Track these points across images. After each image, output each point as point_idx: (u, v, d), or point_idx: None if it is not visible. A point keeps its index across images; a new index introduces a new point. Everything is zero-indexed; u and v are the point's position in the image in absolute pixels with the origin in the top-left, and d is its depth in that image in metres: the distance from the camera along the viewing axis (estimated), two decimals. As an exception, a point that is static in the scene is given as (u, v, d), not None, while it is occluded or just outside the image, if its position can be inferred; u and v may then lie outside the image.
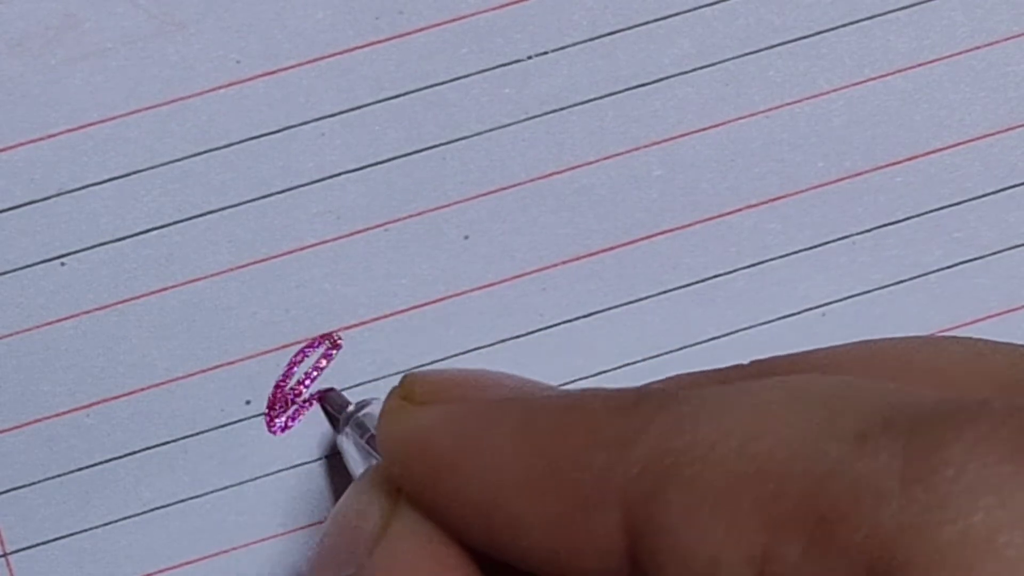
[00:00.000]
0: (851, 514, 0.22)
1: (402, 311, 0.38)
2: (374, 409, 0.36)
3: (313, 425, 0.38)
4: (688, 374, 0.29)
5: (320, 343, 0.38)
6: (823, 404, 0.24)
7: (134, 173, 0.37)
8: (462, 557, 0.28)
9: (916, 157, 0.39)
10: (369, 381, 0.38)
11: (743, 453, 0.24)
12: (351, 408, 0.37)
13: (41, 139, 0.37)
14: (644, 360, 0.39)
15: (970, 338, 0.28)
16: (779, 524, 0.23)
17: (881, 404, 0.23)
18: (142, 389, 0.38)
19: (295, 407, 0.38)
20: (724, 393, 0.25)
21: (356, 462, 0.36)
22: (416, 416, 0.28)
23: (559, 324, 0.39)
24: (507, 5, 0.37)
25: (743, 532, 0.23)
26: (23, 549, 0.37)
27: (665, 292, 0.39)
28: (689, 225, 0.39)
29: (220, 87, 0.37)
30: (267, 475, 0.38)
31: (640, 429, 0.25)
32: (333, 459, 0.38)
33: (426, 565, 0.28)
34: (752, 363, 0.29)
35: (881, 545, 0.22)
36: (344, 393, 0.38)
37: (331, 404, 0.38)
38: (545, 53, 0.38)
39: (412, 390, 0.29)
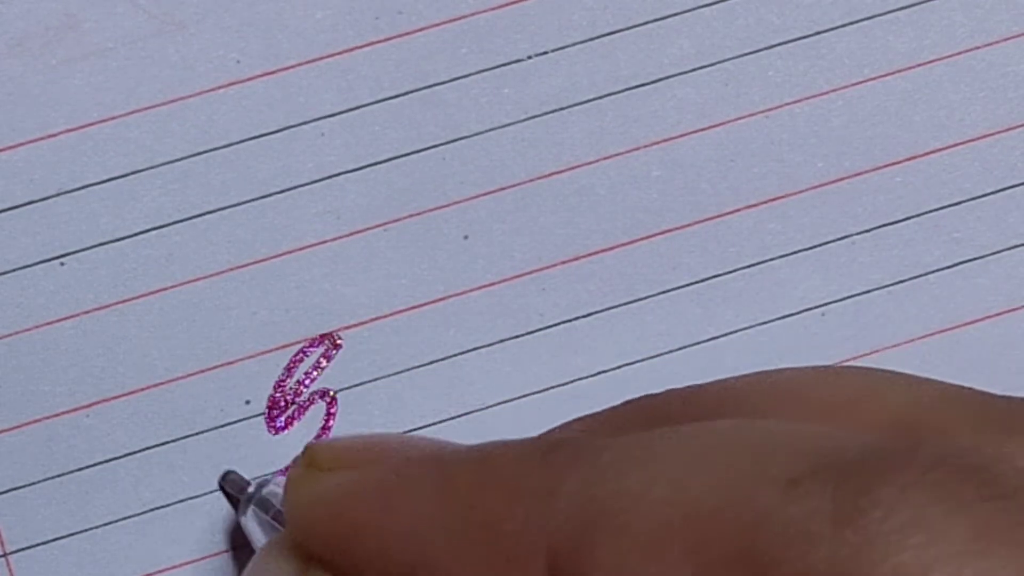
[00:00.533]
0: (783, 558, 0.22)
1: (402, 311, 0.38)
2: (276, 487, 0.36)
3: (314, 425, 0.38)
4: (577, 420, 0.29)
5: (320, 343, 0.38)
6: (751, 450, 0.24)
7: (134, 173, 0.37)
8: None
9: (916, 157, 0.39)
10: (369, 381, 0.38)
11: (671, 501, 0.23)
12: (251, 489, 0.37)
13: (41, 139, 0.37)
14: (644, 360, 0.39)
15: (864, 369, 0.28)
16: (710, 571, 0.23)
17: (809, 449, 0.23)
18: (142, 389, 0.38)
19: (295, 407, 0.38)
20: (649, 440, 0.25)
21: (262, 542, 0.35)
22: (325, 481, 0.28)
23: (559, 324, 0.39)
24: (507, 5, 0.37)
25: None
26: (23, 549, 0.37)
27: (665, 292, 0.39)
28: (689, 225, 0.39)
29: (220, 87, 0.37)
30: (267, 476, 0.38)
31: (560, 478, 0.25)
32: (239, 552, 0.38)
33: None
34: (645, 398, 0.28)
35: None
36: (242, 475, 0.38)
37: (231, 486, 0.37)
38: (545, 53, 0.38)
39: (316, 458, 0.28)
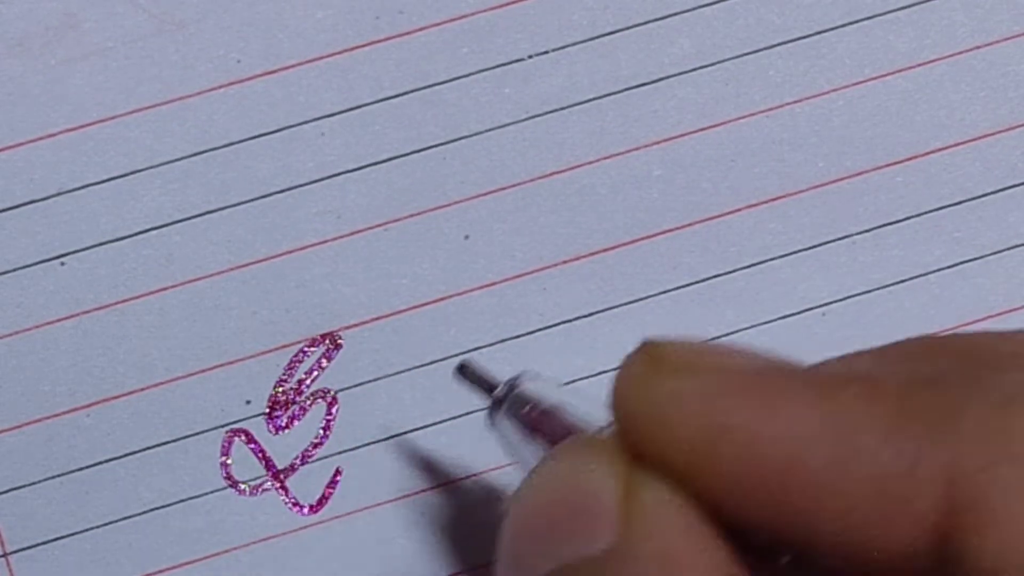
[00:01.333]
0: None
1: (402, 311, 0.38)
2: (533, 387, 0.34)
3: (314, 425, 0.38)
4: (964, 337, 0.28)
5: (320, 343, 0.38)
6: None
7: (134, 173, 0.37)
8: (720, 533, 0.26)
9: (916, 157, 0.39)
10: (369, 381, 0.38)
11: None
12: (499, 391, 0.34)
13: (41, 139, 0.37)
14: (644, 360, 0.39)
15: None
16: None
17: None
18: (142, 389, 0.38)
19: (295, 407, 0.38)
20: None
21: (522, 444, 0.33)
22: (674, 383, 0.26)
23: (559, 324, 0.39)
24: (507, 5, 0.37)
25: None
26: (23, 549, 0.37)
27: (665, 292, 0.39)
28: (689, 225, 0.39)
29: (220, 87, 0.37)
30: (269, 476, 0.38)
31: (961, 404, 0.24)
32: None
33: (694, 537, 0.26)
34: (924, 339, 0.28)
35: None
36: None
37: (471, 376, 0.36)
38: (545, 53, 0.38)
39: (662, 357, 0.27)
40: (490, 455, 0.38)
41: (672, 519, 0.26)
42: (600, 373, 0.39)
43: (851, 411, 0.25)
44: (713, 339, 0.39)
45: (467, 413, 0.38)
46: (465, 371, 0.36)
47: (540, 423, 0.32)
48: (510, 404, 0.34)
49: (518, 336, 0.38)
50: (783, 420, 0.25)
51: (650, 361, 0.27)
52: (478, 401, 0.37)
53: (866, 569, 0.25)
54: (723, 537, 0.26)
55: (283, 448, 0.38)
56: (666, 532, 0.26)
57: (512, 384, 0.34)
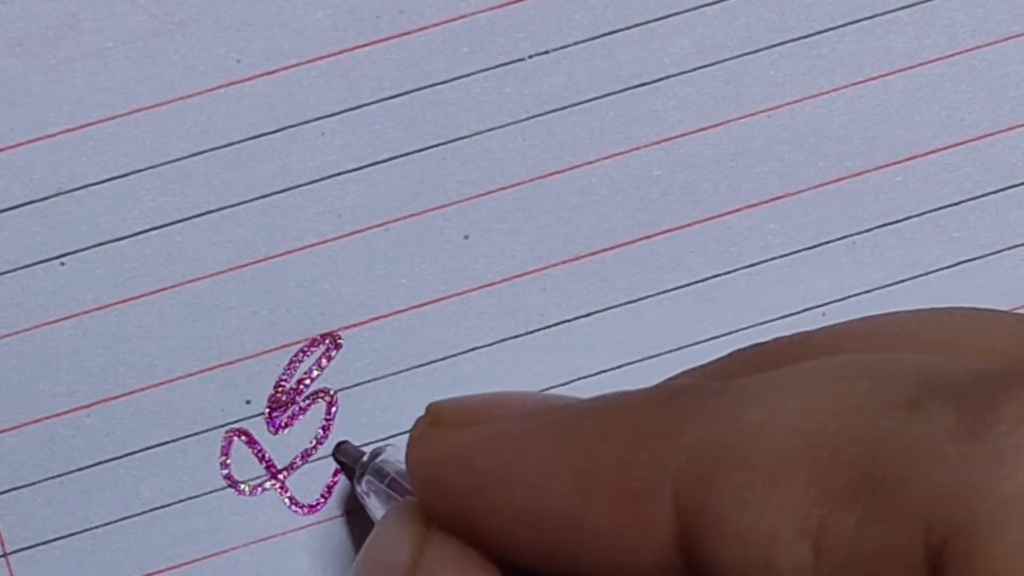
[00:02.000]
0: (907, 478, 0.23)
1: (402, 311, 0.38)
2: (389, 455, 0.36)
3: (314, 425, 0.38)
4: (690, 370, 0.29)
5: (320, 343, 0.38)
6: (868, 377, 0.24)
7: (134, 173, 0.37)
8: None
9: (916, 157, 0.39)
10: (369, 381, 0.38)
11: (793, 430, 0.24)
12: (365, 457, 0.37)
13: (41, 139, 0.37)
14: (644, 360, 0.39)
15: (972, 309, 0.28)
16: (833, 495, 0.23)
17: (927, 373, 0.24)
18: (142, 389, 0.37)
19: (295, 407, 0.38)
20: (767, 377, 0.25)
21: (378, 509, 0.36)
22: (448, 438, 0.28)
23: (559, 324, 0.39)
24: (507, 4, 0.37)
25: (797, 507, 0.24)
26: (23, 549, 0.37)
27: (665, 292, 0.39)
28: (689, 225, 0.39)
29: (220, 87, 0.37)
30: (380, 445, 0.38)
31: (684, 419, 0.25)
32: (352, 516, 0.38)
33: None
34: (752, 347, 0.29)
35: (940, 505, 0.22)
36: (356, 444, 0.38)
37: (345, 456, 0.38)
38: (545, 53, 0.38)
39: (439, 416, 0.29)
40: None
41: (451, 570, 0.28)
42: (600, 373, 0.39)
43: (589, 444, 0.26)
44: (713, 340, 0.39)
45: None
46: (339, 450, 0.38)
47: (395, 489, 0.35)
48: (372, 473, 0.36)
49: (518, 336, 0.38)
50: (531, 465, 0.27)
51: (430, 421, 0.29)
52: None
53: None
54: None
55: (283, 448, 0.38)
56: None
57: (375, 453, 0.36)
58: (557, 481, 0.26)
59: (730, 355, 0.29)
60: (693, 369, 0.30)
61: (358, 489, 0.37)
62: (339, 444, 0.38)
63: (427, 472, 0.28)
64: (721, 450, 0.25)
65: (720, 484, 0.24)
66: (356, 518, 0.38)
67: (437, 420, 0.29)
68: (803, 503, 0.23)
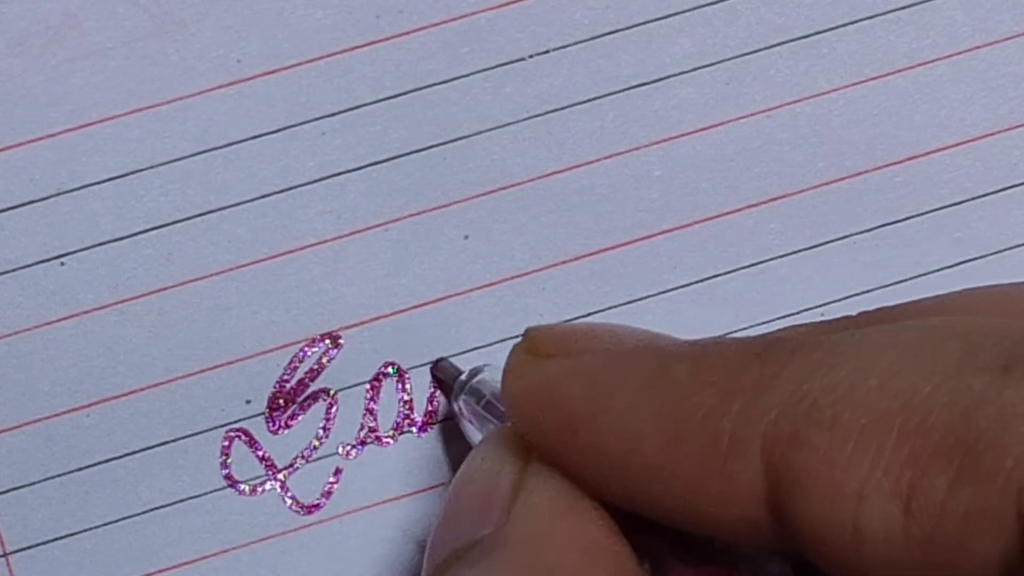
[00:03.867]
0: (1000, 441, 0.23)
1: (402, 311, 0.38)
2: (487, 375, 0.36)
3: (314, 425, 0.38)
4: (801, 325, 0.29)
5: (321, 342, 0.38)
6: (962, 340, 0.24)
7: (134, 173, 0.37)
8: (599, 511, 0.27)
9: (916, 157, 0.39)
10: (368, 381, 0.38)
11: (885, 390, 0.24)
12: (464, 376, 0.37)
13: (41, 139, 0.37)
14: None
15: None
16: (925, 457, 0.23)
17: (1021, 338, 0.24)
18: (142, 389, 0.37)
19: (295, 406, 0.38)
20: (860, 336, 0.25)
21: (473, 429, 0.36)
22: (543, 369, 0.28)
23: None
24: (507, 4, 0.37)
25: (888, 468, 0.24)
26: (23, 549, 0.37)
27: (665, 292, 0.39)
28: (689, 225, 0.39)
29: (220, 87, 0.37)
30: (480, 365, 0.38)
31: (775, 374, 0.25)
32: (449, 432, 0.38)
33: (565, 520, 0.27)
34: (860, 314, 0.29)
35: None
36: (455, 361, 0.38)
37: (443, 373, 0.38)
38: (545, 53, 0.38)
39: (536, 344, 0.29)
40: (490, 455, 0.38)
41: (551, 502, 0.28)
42: (600, 373, 0.39)
43: (680, 392, 0.26)
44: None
45: (467, 413, 0.38)
46: (439, 367, 0.38)
47: (492, 411, 0.35)
48: (469, 392, 0.36)
49: (518, 336, 0.38)
50: (622, 408, 0.27)
51: (527, 348, 0.29)
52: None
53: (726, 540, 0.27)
54: (605, 514, 0.27)
55: (283, 448, 0.38)
56: (545, 514, 0.27)
57: (473, 372, 0.36)
58: (647, 428, 0.26)
59: (839, 319, 0.29)
60: (794, 326, 0.29)
61: (454, 407, 0.37)
62: (438, 360, 0.38)
63: (521, 404, 0.28)
64: (812, 408, 0.25)
65: (810, 443, 0.24)
66: (449, 430, 0.38)
67: (533, 347, 0.29)
68: (894, 464, 0.24)
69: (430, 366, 0.38)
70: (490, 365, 0.36)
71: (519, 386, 0.28)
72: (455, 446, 0.38)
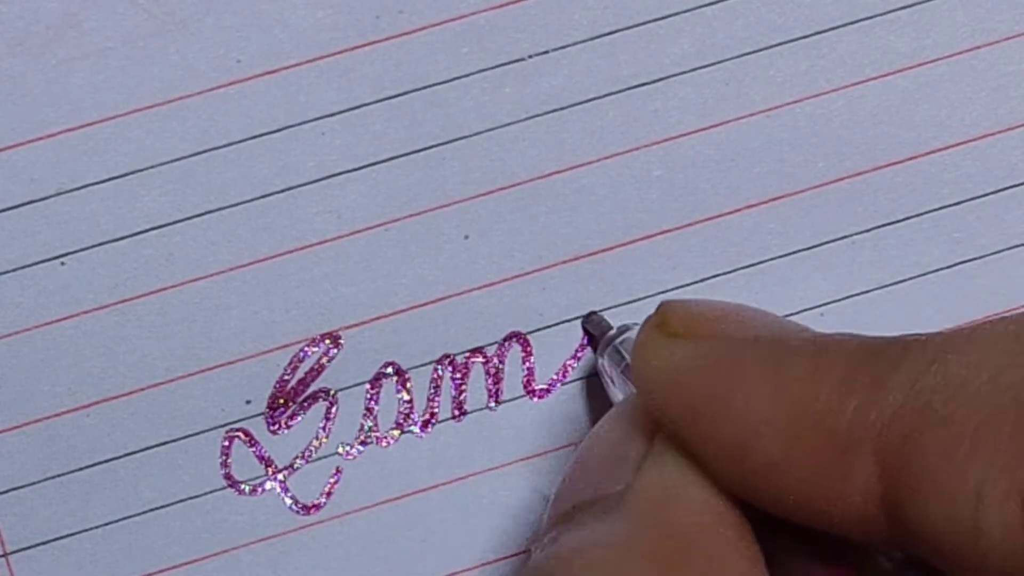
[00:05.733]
0: None
1: (402, 310, 0.38)
2: (633, 335, 0.36)
3: (314, 425, 0.38)
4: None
5: (320, 343, 0.38)
6: None
7: (134, 173, 0.37)
8: (719, 494, 0.28)
9: (916, 157, 0.39)
10: (368, 381, 0.38)
11: (997, 383, 0.24)
12: (611, 333, 0.37)
13: (41, 139, 0.37)
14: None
15: None
16: None
17: None
18: (142, 389, 0.37)
19: (295, 407, 0.38)
20: (970, 331, 0.25)
21: (615, 386, 0.36)
22: (670, 350, 0.28)
23: (559, 324, 0.39)
24: (507, 5, 0.37)
25: (1005, 464, 0.24)
26: (23, 549, 0.37)
27: (665, 292, 0.39)
28: (689, 225, 0.39)
29: (220, 86, 0.37)
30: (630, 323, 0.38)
31: (889, 373, 0.25)
32: (592, 385, 0.38)
33: (689, 487, 0.28)
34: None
35: None
36: (605, 315, 0.38)
37: (593, 327, 0.38)
38: (545, 53, 0.38)
39: (667, 320, 0.29)
40: (490, 455, 0.38)
41: (673, 469, 0.28)
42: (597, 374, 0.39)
43: (798, 388, 0.26)
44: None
45: (466, 413, 0.38)
46: (589, 320, 0.38)
47: (630, 374, 0.35)
48: (613, 351, 0.36)
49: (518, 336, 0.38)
50: (741, 400, 0.27)
51: (657, 323, 0.29)
52: (474, 402, 0.37)
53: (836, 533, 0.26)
54: (725, 498, 0.28)
55: (283, 448, 0.38)
56: (666, 478, 0.28)
57: (621, 330, 0.37)
58: (764, 422, 0.26)
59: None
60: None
61: (599, 362, 0.37)
62: (589, 313, 0.38)
63: (647, 383, 0.29)
64: (925, 406, 0.25)
65: (925, 441, 0.24)
66: (593, 385, 0.39)
67: (664, 324, 0.29)
68: (1009, 459, 0.23)
69: (581, 318, 0.38)
70: (639, 324, 0.36)
71: (646, 366, 0.29)
72: (596, 400, 0.38)
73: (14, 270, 0.37)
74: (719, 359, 0.28)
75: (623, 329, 0.37)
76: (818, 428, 0.26)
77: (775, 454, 0.26)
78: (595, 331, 0.38)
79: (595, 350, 0.38)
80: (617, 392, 0.36)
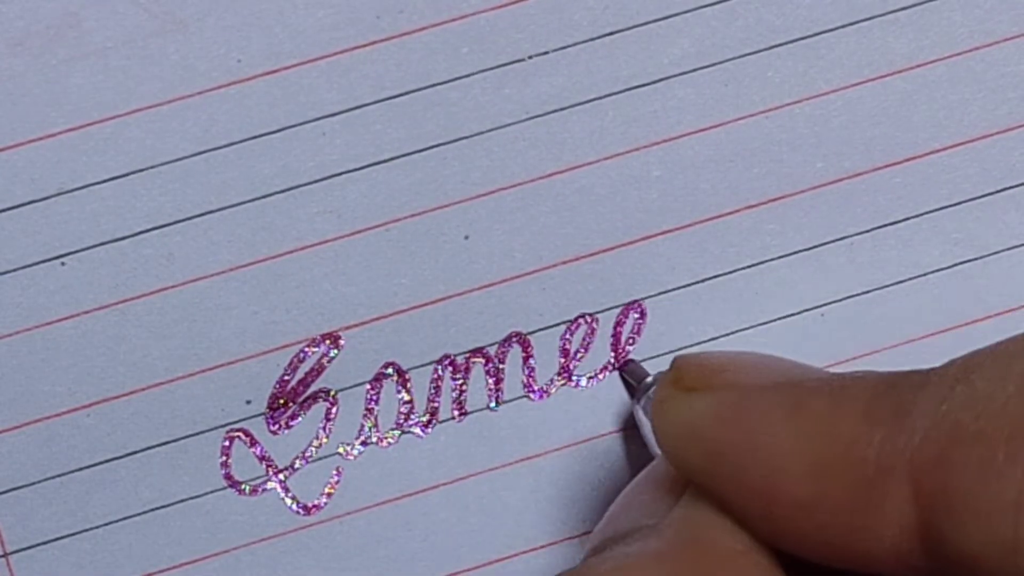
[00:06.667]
0: None
1: (402, 311, 0.38)
2: None
3: (314, 425, 0.38)
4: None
5: (321, 342, 0.38)
6: None
7: (134, 173, 0.37)
8: (751, 541, 0.28)
9: (915, 157, 0.39)
10: (369, 381, 0.38)
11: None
12: (648, 380, 0.37)
13: (41, 139, 0.37)
14: (643, 360, 0.39)
15: None
16: None
17: None
18: (142, 389, 0.37)
19: (295, 407, 0.38)
20: (991, 349, 0.25)
21: (651, 436, 0.36)
22: (687, 405, 0.29)
23: (559, 324, 0.39)
24: (507, 5, 0.37)
25: None
26: (23, 549, 0.37)
27: (665, 292, 0.39)
28: (688, 225, 0.39)
29: (221, 86, 0.37)
30: (269, 478, 0.38)
31: (913, 399, 0.25)
32: (629, 433, 0.39)
33: (720, 525, 0.28)
34: None
35: None
36: (644, 364, 0.38)
37: (630, 375, 0.38)
38: (545, 53, 0.38)
39: (682, 375, 0.29)
40: (490, 455, 0.38)
41: (705, 509, 0.28)
42: (597, 374, 0.39)
43: (820, 427, 0.26)
44: (712, 340, 0.39)
45: (467, 413, 0.38)
46: (626, 368, 0.38)
47: None
48: (647, 401, 0.37)
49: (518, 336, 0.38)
50: (764, 446, 0.27)
51: (673, 379, 0.29)
52: (473, 402, 0.37)
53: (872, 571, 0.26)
54: (757, 546, 0.28)
55: (283, 448, 0.38)
56: (699, 513, 0.28)
57: (658, 378, 0.37)
58: (789, 463, 0.26)
59: None
60: None
61: (635, 409, 0.37)
62: (627, 361, 0.38)
63: (668, 439, 0.29)
64: (954, 425, 0.24)
65: (958, 460, 0.24)
66: (631, 436, 0.39)
67: (678, 379, 0.29)
68: None
69: (619, 368, 0.39)
70: None
71: (666, 422, 0.29)
72: (633, 450, 0.39)
73: (14, 270, 0.37)
74: (738, 408, 0.28)
75: (658, 377, 0.37)
76: (845, 463, 0.26)
77: (803, 496, 0.26)
78: (632, 379, 0.38)
79: (632, 397, 0.38)
80: (654, 440, 0.36)
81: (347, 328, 0.38)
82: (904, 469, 0.25)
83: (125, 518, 0.38)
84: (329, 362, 0.38)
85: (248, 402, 0.38)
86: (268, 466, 0.38)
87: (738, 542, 0.27)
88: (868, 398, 0.26)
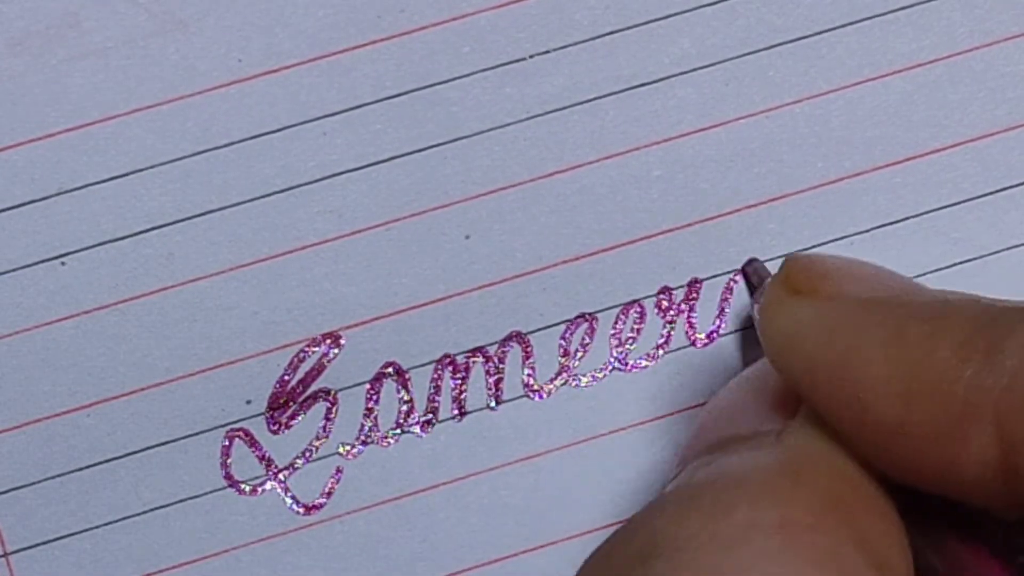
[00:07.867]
0: None
1: (403, 310, 0.38)
2: None
3: (314, 425, 0.38)
4: None
5: (321, 342, 0.38)
6: None
7: (134, 173, 0.37)
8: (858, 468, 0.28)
9: (915, 157, 0.39)
10: (369, 381, 0.38)
11: None
12: (768, 281, 0.37)
13: (41, 139, 0.37)
14: (642, 361, 0.39)
15: None
16: None
17: None
18: (142, 389, 0.37)
19: (295, 407, 0.38)
20: None
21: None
22: (793, 310, 0.29)
23: (559, 324, 0.39)
24: (508, 4, 0.37)
25: None
26: (23, 549, 0.37)
27: (665, 291, 0.39)
28: (689, 225, 0.39)
29: (221, 86, 0.37)
30: (269, 477, 0.38)
31: (1004, 339, 0.25)
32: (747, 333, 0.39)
33: (838, 452, 0.28)
34: None
35: None
36: (767, 265, 0.38)
37: (753, 274, 0.38)
38: (546, 53, 0.38)
39: (791, 276, 0.29)
40: (490, 455, 0.38)
41: (820, 433, 0.28)
42: (597, 373, 0.39)
43: (915, 354, 0.27)
44: (720, 336, 0.39)
45: (467, 413, 0.38)
46: (750, 264, 0.38)
47: None
48: None
49: (518, 336, 0.38)
50: (860, 363, 0.27)
51: (782, 280, 0.30)
52: (473, 402, 0.37)
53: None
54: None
55: (283, 448, 0.38)
56: (814, 438, 0.28)
57: None
58: (881, 386, 0.27)
59: None
60: None
61: (752, 308, 0.37)
62: (751, 260, 0.38)
63: (771, 342, 0.29)
64: None
65: None
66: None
67: (788, 280, 0.29)
68: None
69: (742, 265, 0.38)
70: None
71: (771, 325, 0.29)
72: (747, 346, 0.39)
73: (14, 270, 0.37)
74: (840, 320, 0.28)
75: None
76: (935, 394, 0.26)
77: (893, 418, 0.26)
78: (754, 279, 0.38)
79: (751, 296, 0.38)
80: None
81: (347, 328, 0.38)
82: (990, 410, 0.25)
83: (125, 518, 0.38)
84: (329, 362, 0.38)
85: (248, 402, 0.38)
86: (268, 466, 0.38)
87: (857, 471, 0.28)
88: (966, 329, 0.26)
